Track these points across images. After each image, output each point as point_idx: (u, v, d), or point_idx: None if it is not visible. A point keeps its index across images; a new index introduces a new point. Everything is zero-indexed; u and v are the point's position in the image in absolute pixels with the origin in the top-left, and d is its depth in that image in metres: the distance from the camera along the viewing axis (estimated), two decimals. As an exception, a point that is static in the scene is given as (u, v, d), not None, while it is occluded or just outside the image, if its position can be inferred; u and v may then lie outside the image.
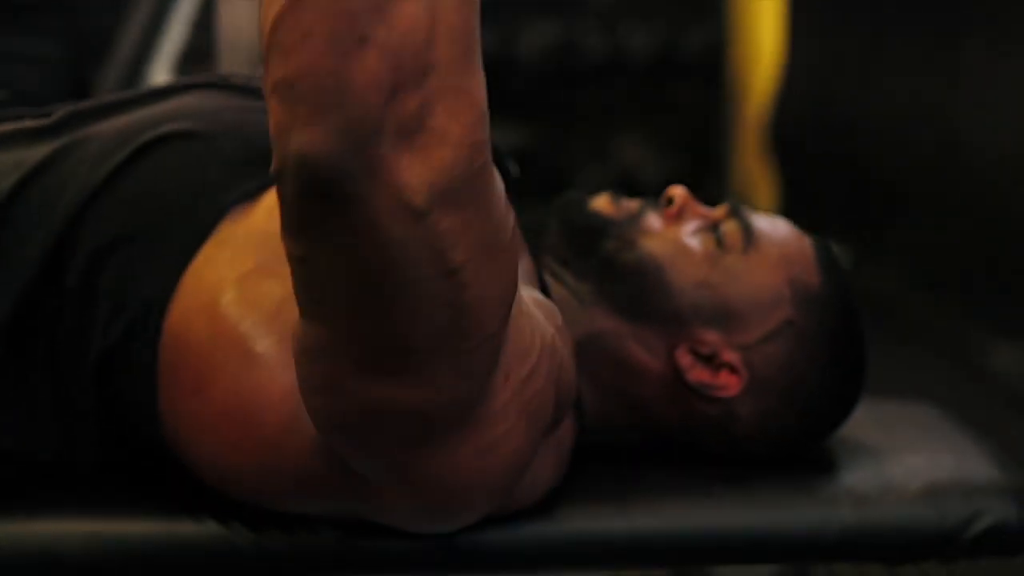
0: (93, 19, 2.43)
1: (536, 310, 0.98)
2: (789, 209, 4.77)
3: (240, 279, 0.98)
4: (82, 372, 1.01)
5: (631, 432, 1.18)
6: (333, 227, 0.78)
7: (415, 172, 0.76)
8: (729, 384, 1.12)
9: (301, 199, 0.77)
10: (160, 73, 2.42)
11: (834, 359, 1.14)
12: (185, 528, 1.04)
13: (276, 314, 0.95)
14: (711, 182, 5.23)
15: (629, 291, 1.13)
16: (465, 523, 1.01)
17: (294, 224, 0.80)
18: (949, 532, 1.11)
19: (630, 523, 1.09)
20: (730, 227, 1.14)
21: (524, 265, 1.10)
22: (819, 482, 1.14)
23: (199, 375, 0.98)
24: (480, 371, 0.88)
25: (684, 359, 1.12)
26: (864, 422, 1.23)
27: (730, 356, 1.12)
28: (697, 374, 1.12)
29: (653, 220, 1.15)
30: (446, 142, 0.77)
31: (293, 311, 0.88)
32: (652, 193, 1.20)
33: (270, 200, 1.02)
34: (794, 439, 1.16)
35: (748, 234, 1.14)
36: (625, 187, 1.23)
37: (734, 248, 1.13)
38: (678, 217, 1.15)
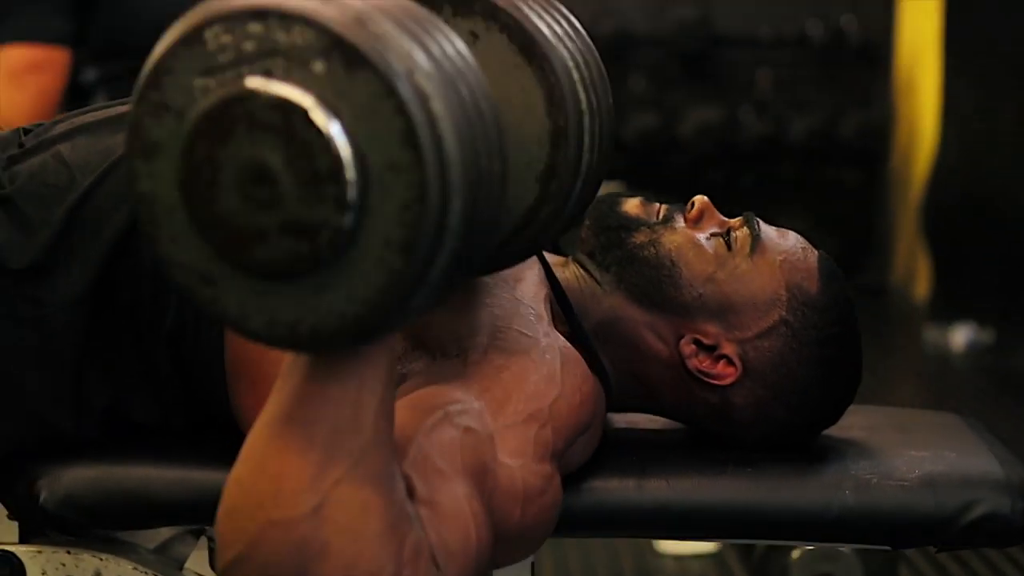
0: None
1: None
2: (938, 289, 4.79)
3: None
4: (159, 340, 1.19)
5: (638, 408, 1.31)
6: None
7: None
8: (725, 374, 1.25)
9: None
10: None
11: (824, 360, 1.25)
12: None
13: None
14: (872, 263, 5.27)
15: (645, 281, 1.26)
16: None
17: None
18: (945, 518, 1.21)
19: (647, 496, 1.22)
20: (741, 233, 1.27)
21: (533, 276, 1.25)
22: (825, 468, 1.25)
23: (264, 356, 1.14)
24: None
25: (687, 347, 1.25)
26: (883, 424, 1.34)
27: (728, 348, 1.25)
28: (697, 362, 1.25)
29: (676, 222, 1.29)
30: None
31: None
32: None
33: None
34: (785, 430, 1.27)
35: (756, 241, 1.26)
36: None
37: (742, 251, 1.26)
38: (698, 221, 1.29)
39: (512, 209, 1.06)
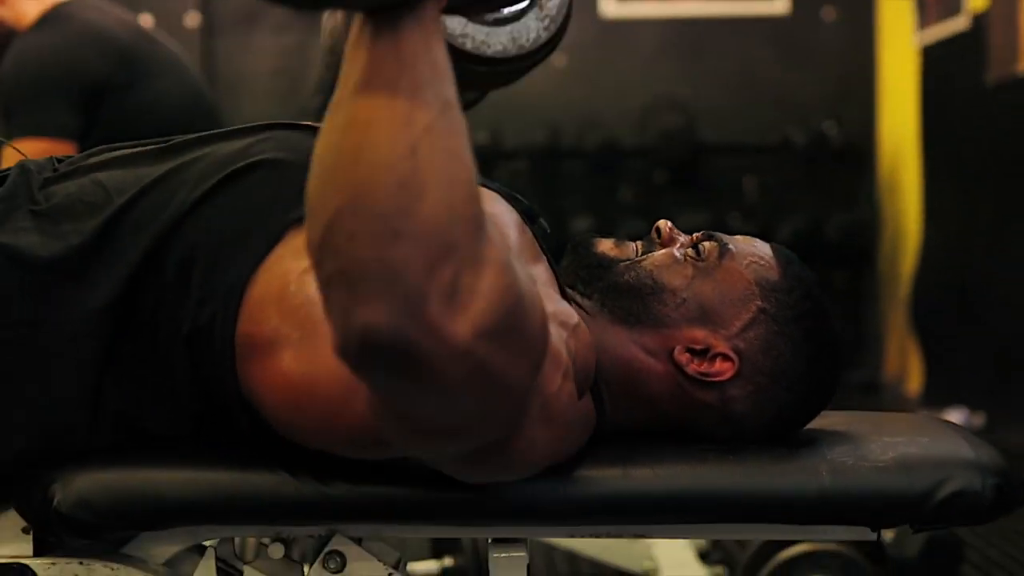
0: None
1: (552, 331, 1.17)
2: (930, 379, 4.86)
3: (304, 272, 1.22)
4: (176, 347, 1.26)
5: (640, 426, 1.38)
6: (404, 390, 0.99)
7: (461, 324, 0.94)
8: (724, 369, 1.33)
9: (372, 372, 0.99)
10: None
11: (806, 334, 1.34)
12: (263, 477, 1.27)
13: None
14: (865, 361, 5.34)
15: (629, 303, 1.35)
16: (475, 441, 1.20)
17: (378, 403, 1.04)
18: (919, 496, 1.26)
19: (633, 484, 1.28)
20: (709, 244, 1.37)
21: (544, 267, 1.33)
22: (803, 454, 1.31)
23: (269, 349, 1.22)
24: (518, 416, 1.11)
25: (682, 356, 1.33)
26: (859, 420, 1.41)
27: (720, 346, 1.33)
28: (696, 366, 1.33)
29: (652, 248, 1.38)
30: (479, 295, 0.95)
31: None
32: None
33: None
34: (787, 413, 1.35)
35: (723, 250, 1.36)
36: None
37: (711, 259, 1.35)
38: (669, 243, 1.38)
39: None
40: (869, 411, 1.49)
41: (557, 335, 1.18)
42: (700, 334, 1.34)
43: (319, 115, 1.47)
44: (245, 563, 1.35)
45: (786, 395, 1.34)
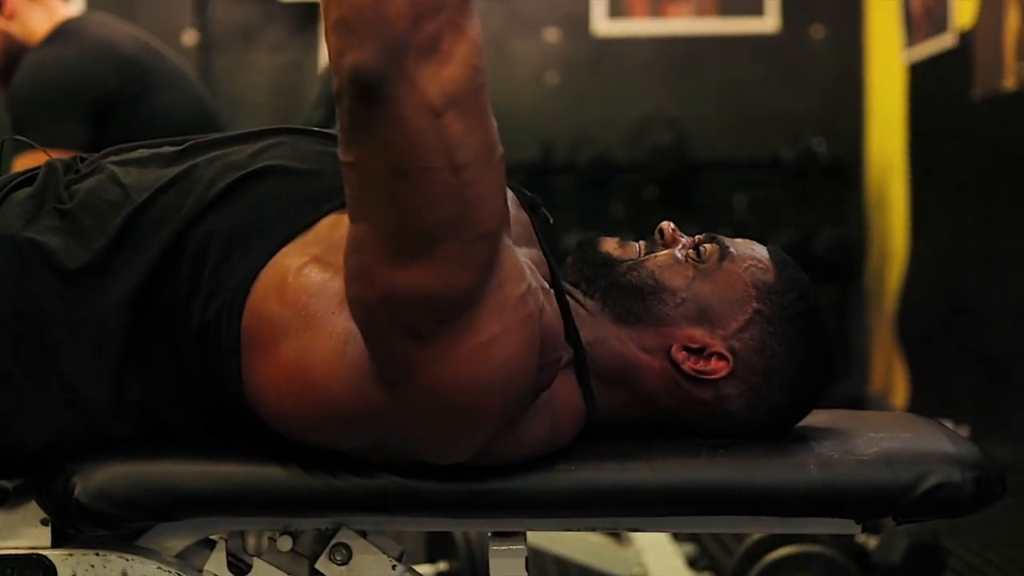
0: None
1: (530, 271, 1.26)
2: (915, 393, 4.92)
3: (301, 266, 1.29)
4: (188, 341, 1.32)
5: (637, 421, 1.43)
6: (373, 125, 1.12)
7: (433, 80, 1.11)
8: (719, 368, 1.38)
9: (352, 103, 1.12)
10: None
11: (798, 333, 1.40)
12: (274, 470, 1.32)
13: (324, 288, 1.26)
14: (850, 375, 5.39)
15: (630, 302, 1.40)
16: (480, 436, 1.25)
17: (347, 132, 1.15)
18: (901, 489, 1.32)
19: (629, 478, 1.33)
20: (709, 247, 1.42)
21: (536, 255, 1.39)
22: (791, 449, 1.37)
23: (271, 339, 1.28)
24: (479, 264, 1.17)
25: (679, 354, 1.39)
26: (843, 417, 1.47)
27: (716, 346, 1.38)
28: (691, 364, 1.38)
29: (656, 249, 1.44)
30: (453, 61, 1.11)
31: (339, 284, 1.22)
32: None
33: (329, 219, 1.33)
34: (779, 411, 1.40)
35: (723, 252, 1.41)
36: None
37: (710, 261, 1.41)
38: (671, 244, 1.43)
39: None
40: (854, 409, 1.55)
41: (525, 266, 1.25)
42: (697, 333, 1.39)
43: (322, 127, 1.53)
44: (254, 556, 1.40)
45: (779, 394, 1.39)
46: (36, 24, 2.71)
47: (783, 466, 1.34)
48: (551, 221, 1.49)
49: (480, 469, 1.30)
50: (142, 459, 1.34)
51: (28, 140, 2.54)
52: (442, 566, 2.55)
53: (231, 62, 5.55)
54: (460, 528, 1.99)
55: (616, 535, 2.85)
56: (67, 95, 2.61)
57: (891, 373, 5.28)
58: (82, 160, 1.46)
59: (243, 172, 1.37)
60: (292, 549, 1.39)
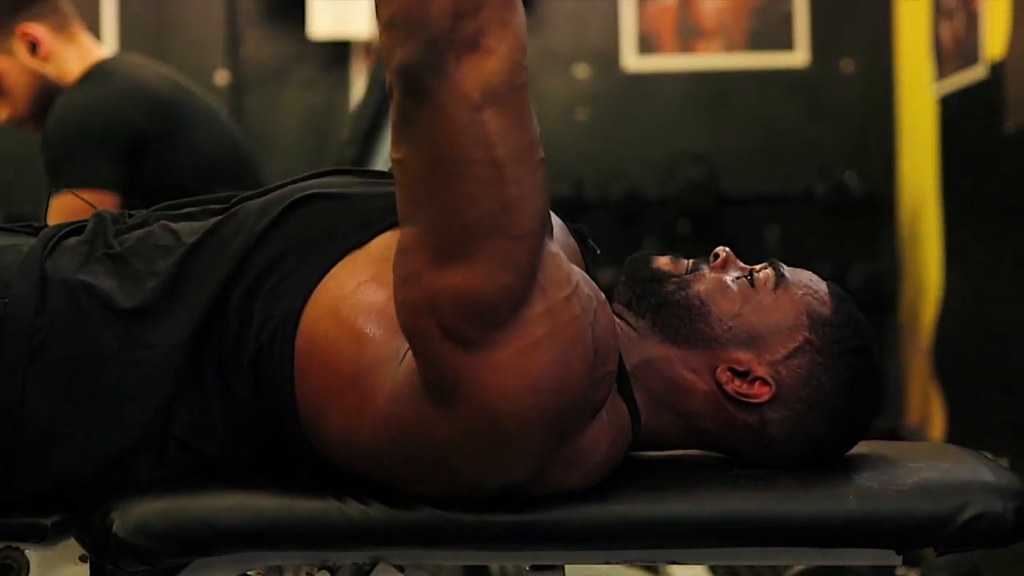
0: None
1: (581, 278, 1.26)
2: (952, 426, 4.89)
3: (356, 288, 1.30)
4: (240, 369, 1.33)
5: (680, 444, 1.43)
6: (417, 118, 1.16)
7: (473, 74, 1.15)
8: (762, 393, 1.38)
9: (400, 97, 1.16)
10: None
11: (848, 367, 1.39)
12: (312, 504, 1.32)
13: (383, 310, 1.26)
14: (887, 409, 5.37)
15: (678, 322, 1.40)
16: (533, 448, 1.24)
17: (396, 129, 1.18)
18: (942, 519, 1.32)
19: (667, 509, 1.33)
20: (764, 273, 1.42)
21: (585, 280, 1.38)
22: (830, 479, 1.36)
23: (326, 360, 1.29)
24: (520, 265, 1.18)
25: (724, 375, 1.39)
26: (881, 448, 1.46)
27: (761, 371, 1.38)
28: (735, 386, 1.38)
29: (703, 270, 1.43)
30: (495, 56, 1.15)
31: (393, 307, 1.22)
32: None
33: (382, 238, 1.34)
34: (821, 441, 1.39)
35: (781, 278, 1.41)
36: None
37: (765, 288, 1.41)
38: (723, 268, 1.43)
39: None
40: (891, 440, 1.54)
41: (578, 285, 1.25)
42: (744, 356, 1.39)
43: (354, 164, 1.54)
44: (291, 591, 1.40)
45: (822, 425, 1.38)
46: (70, 65, 2.74)
47: (822, 497, 1.34)
48: (599, 252, 1.50)
49: (518, 500, 1.30)
50: (180, 494, 1.34)
51: (59, 182, 2.58)
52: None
53: (263, 101, 5.59)
54: (498, 561, 1.98)
55: (653, 568, 2.84)
56: (99, 135, 2.64)
57: (927, 406, 5.25)
58: (130, 215, 1.48)
59: (289, 201, 1.39)
60: (330, 584, 1.39)
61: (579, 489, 1.31)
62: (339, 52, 5.54)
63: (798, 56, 5.65)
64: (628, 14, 5.61)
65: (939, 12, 5.08)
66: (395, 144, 1.19)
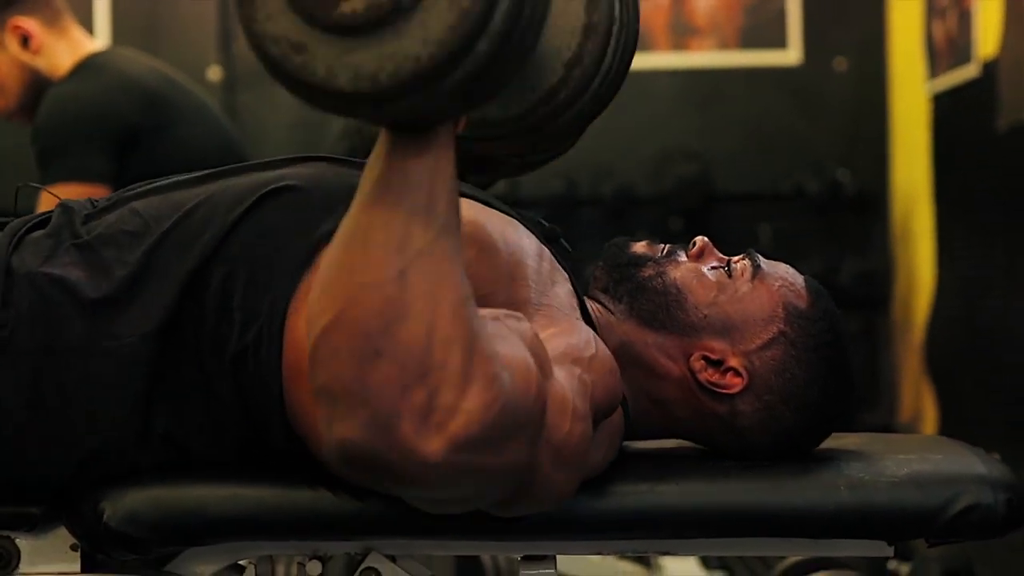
0: None
1: (569, 365, 1.23)
2: (944, 423, 4.89)
3: None
4: (222, 368, 1.32)
5: (658, 433, 1.43)
6: (376, 483, 1.09)
7: (435, 441, 1.01)
8: (733, 384, 1.38)
9: (345, 470, 1.07)
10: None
11: (820, 362, 1.40)
12: (304, 493, 1.32)
13: None
14: (879, 406, 5.37)
15: (655, 307, 1.40)
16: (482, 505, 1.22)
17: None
18: (933, 511, 1.32)
19: (660, 500, 1.33)
20: (742, 264, 1.42)
21: (565, 290, 1.38)
22: (821, 469, 1.36)
23: None
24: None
25: (697, 363, 1.39)
26: (873, 439, 1.46)
27: (734, 361, 1.38)
28: (708, 375, 1.38)
29: (680, 257, 1.44)
30: (461, 412, 1.01)
31: None
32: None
33: None
34: (791, 434, 1.39)
35: (757, 269, 1.41)
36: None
37: (742, 278, 1.41)
38: (699, 257, 1.43)
39: (535, 87, 1.21)
40: (882, 432, 1.54)
41: (567, 378, 1.20)
42: (719, 345, 1.39)
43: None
44: (283, 581, 1.40)
45: (793, 417, 1.39)
46: (61, 59, 2.74)
47: (814, 487, 1.34)
48: (570, 251, 1.49)
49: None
50: (172, 483, 1.34)
51: (50, 176, 2.57)
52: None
53: (255, 98, 5.58)
54: (490, 552, 1.98)
55: (645, 561, 2.84)
56: (89, 128, 2.63)
57: (920, 403, 5.25)
58: (97, 200, 1.46)
59: (265, 189, 1.37)
60: (321, 574, 1.38)
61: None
62: (332, 48, 5.53)
63: (791, 54, 5.65)
64: (621, 11, 5.62)
65: (932, 11, 5.09)
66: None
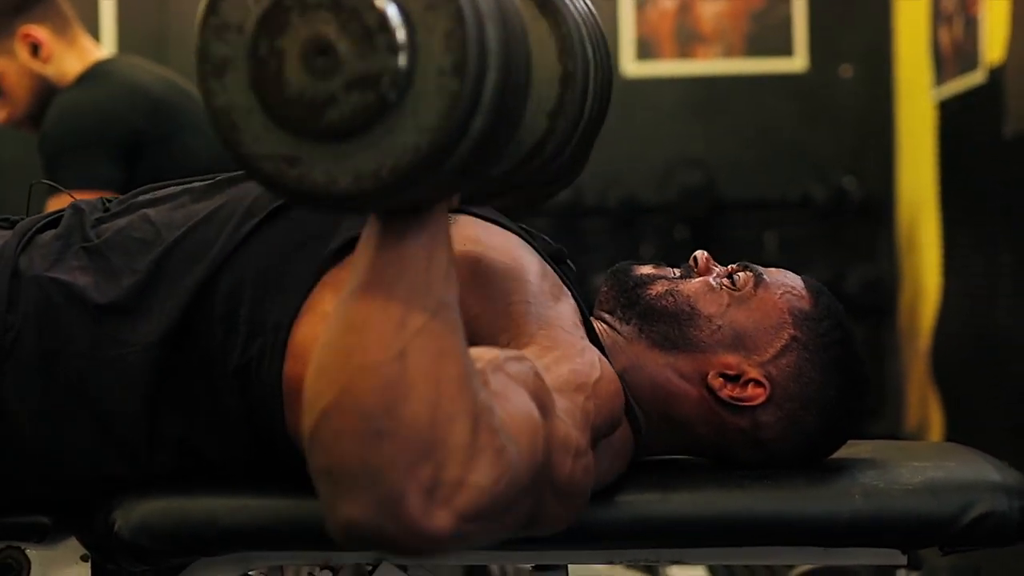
0: None
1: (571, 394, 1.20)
2: (951, 431, 4.89)
3: None
4: (226, 377, 1.32)
5: (671, 450, 1.43)
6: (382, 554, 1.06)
7: (442, 517, 0.97)
8: (756, 395, 1.38)
9: (349, 546, 1.02)
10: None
11: (834, 360, 1.40)
12: (315, 505, 1.29)
13: None
14: (885, 414, 5.36)
15: (666, 328, 1.41)
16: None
17: None
18: (948, 519, 1.31)
19: (672, 509, 1.32)
20: (744, 276, 1.42)
21: (569, 307, 1.35)
22: (835, 478, 1.36)
23: None
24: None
25: (716, 381, 1.39)
26: (887, 447, 1.46)
27: (752, 372, 1.38)
28: (728, 391, 1.38)
29: (689, 273, 1.44)
30: (467, 487, 0.98)
31: None
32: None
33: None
34: (815, 438, 1.39)
35: (758, 280, 1.42)
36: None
37: (746, 289, 1.41)
38: (706, 271, 1.44)
39: (522, 142, 1.19)
40: (896, 440, 1.53)
41: (569, 411, 1.17)
42: (733, 360, 1.39)
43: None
44: (293, 591, 1.40)
45: (815, 421, 1.39)
46: (70, 67, 2.74)
47: (828, 496, 1.33)
48: (574, 271, 1.49)
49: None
50: (183, 493, 1.34)
51: (57, 183, 2.57)
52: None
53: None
54: (501, 562, 1.97)
55: (653, 569, 2.84)
56: (96, 135, 2.63)
57: (926, 410, 5.24)
58: (110, 201, 1.46)
59: (270, 208, 1.37)
60: (332, 584, 1.38)
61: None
62: (337, 57, 5.54)
63: (797, 61, 5.65)
64: (627, 19, 5.62)
65: (938, 17, 5.08)
66: None
